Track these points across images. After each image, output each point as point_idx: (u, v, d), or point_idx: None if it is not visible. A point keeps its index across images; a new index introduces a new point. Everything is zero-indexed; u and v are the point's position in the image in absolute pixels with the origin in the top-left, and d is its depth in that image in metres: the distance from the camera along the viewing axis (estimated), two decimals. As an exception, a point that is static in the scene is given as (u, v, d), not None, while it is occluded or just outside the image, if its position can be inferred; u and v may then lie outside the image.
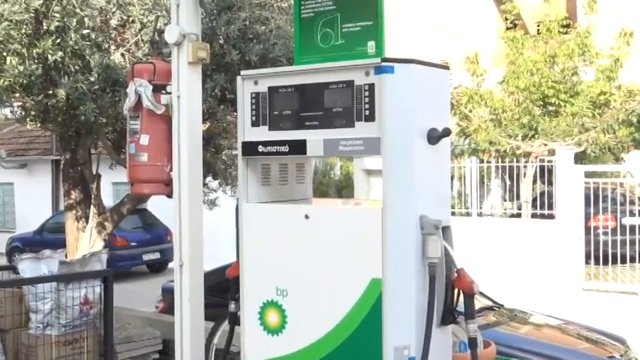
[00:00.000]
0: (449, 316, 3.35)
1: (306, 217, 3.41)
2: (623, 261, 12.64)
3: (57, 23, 6.10)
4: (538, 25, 16.84)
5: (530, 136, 14.96)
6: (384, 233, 3.17)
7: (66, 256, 7.18)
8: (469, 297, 3.32)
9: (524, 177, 14.84)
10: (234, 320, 3.77)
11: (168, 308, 7.91)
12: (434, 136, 3.29)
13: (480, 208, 15.15)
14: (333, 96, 3.33)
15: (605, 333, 7.30)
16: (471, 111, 15.49)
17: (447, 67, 3.55)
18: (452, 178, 14.36)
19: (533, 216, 14.10)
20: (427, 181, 3.32)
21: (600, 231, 13.14)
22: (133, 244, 17.27)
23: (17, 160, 22.89)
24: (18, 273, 6.32)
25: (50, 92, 6.40)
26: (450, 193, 3.61)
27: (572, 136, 14.34)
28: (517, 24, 16.62)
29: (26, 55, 6.10)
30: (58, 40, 6.14)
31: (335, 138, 3.31)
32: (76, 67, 6.39)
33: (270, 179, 3.78)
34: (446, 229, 3.33)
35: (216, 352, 6.26)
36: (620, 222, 13.05)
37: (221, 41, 6.70)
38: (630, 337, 7.47)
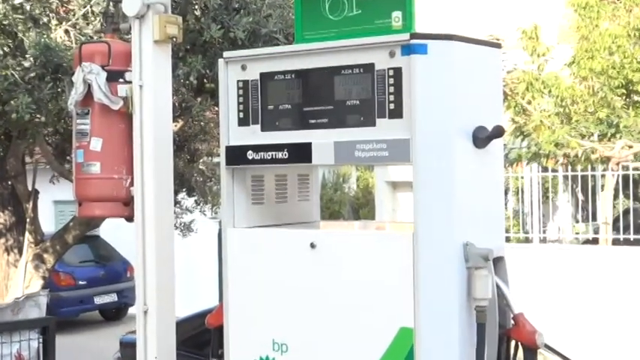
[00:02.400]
0: (504, 378, 3.35)
1: (312, 246, 3.41)
2: None
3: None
4: (618, -12, 16.84)
5: (609, 135, 14.92)
6: (415, 267, 3.16)
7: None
8: (531, 352, 3.31)
9: (603, 190, 14.79)
10: (217, 385, 3.76)
11: (129, 368, 7.90)
12: (482, 137, 3.29)
13: (544, 231, 15.09)
14: (347, 85, 3.33)
15: None
16: (530, 102, 15.47)
17: (497, 45, 3.56)
18: (506, 192, 14.34)
19: (615, 242, 14.02)
20: (473, 197, 3.31)
21: None
22: (81, 283, 17.27)
23: None
24: None
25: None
26: (503, 212, 3.60)
27: (667, 135, 14.29)
28: (591, -13, 16.61)
29: None
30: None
31: (350, 140, 3.31)
32: (5, 49, 6.42)
33: (263, 196, 3.78)
34: (499, 261, 3.32)
35: None
36: None
37: (197, 13, 6.73)
38: None
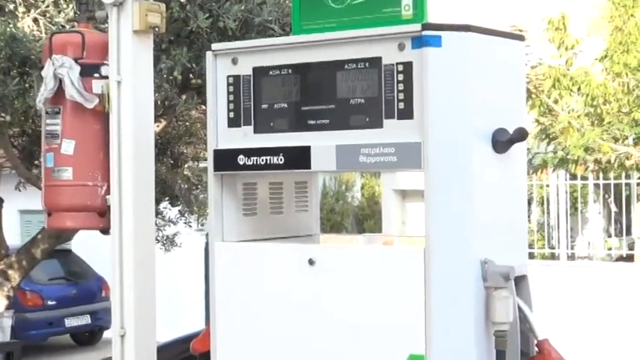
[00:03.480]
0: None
1: (311, 262, 3.41)
2: None
3: None
4: (656, -27, 16.85)
5: (646, 138, 14.92)
6: (427, 287, 3.16)
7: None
8: (557, 383, 3.30)
9: (638, 201, 14.79)
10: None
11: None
12: (502, 141, 3.30)
13: (572, 247, 15.08)
14: (351, 81, 3.34)
15: None
16: (556, 101, 15.47)
17: (520, 37, 3.57)
18: (529, 202, 14.32)
19: (653, 259, 14.02)
20: (492, 208, 3.32)
21: None
22: (50, 303, 17.23)
23: None
24: None
25: None
26: (526, 225, 3.61)
27: None
28: (625, -29, 16.63)
29: None
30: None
31: (353, 144, 3.32)
32: (-33, 40, 6.43)
33: (256, 206, 3.79)
34: (521, 281, 3.32)
35: None
36: None
37: (182, -1, 6.74)
38: None
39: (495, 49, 3.38)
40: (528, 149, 12.97)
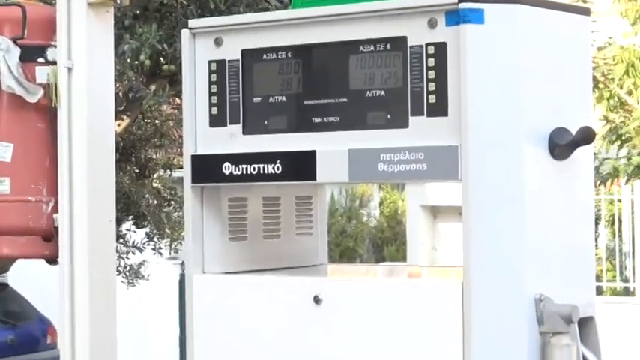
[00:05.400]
0: None
1: (316, 300, 3.41)
2: None
3: None
4: None
5: None
6: (466, 332, 3.16)
7: None
8: None
9: None
10: None
11: None
12: (562, 144, 3.30)
13: (651, 279, 15.07)
14: (368, 68, 3.35)
15: None
16: (630, 93, 15.48)
17: (585, 11, 3.57)
18: (596, 222, 14.31)
19: None
20: (549, 231, 3.32)
21: None
22: (-20, 351, 17.28)
23: None
24: None
25: None
26: (592, 251, 3.61)
27: None
28: None
29: None
30: None
31: (371, 148, 3.32)
32: None
33: (245, 228, 3.80)
34: (587, 323, 3.33)
35: None
36: None
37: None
38: None
39: (552, 27, 3.39)
40: (595, 154, 12.96)
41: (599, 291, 14.03)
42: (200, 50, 3.64)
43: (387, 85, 3.32)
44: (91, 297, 4.43)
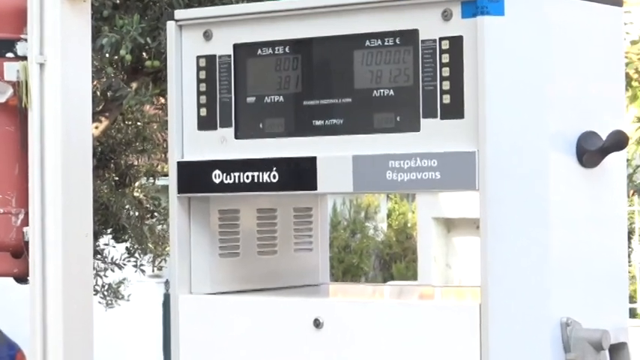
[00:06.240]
0: None
1: (317, 324, 3.42)
2: None
3: None
4: None
5: None
6: (484, 359, 3.16)
7: None
8: None
9: None
10: None
11: None
12: (592, 150, 3.30)
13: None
14: (375, 64, 3.36)
15: None
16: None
17: (617, 2, 3.57)
18: (629, 235, 14.33)
19: None
20: (577, 246, 3.33)
21: None
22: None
23: None
24: None
25: None
26: (626, 269, 3.61)
27: None
28: None
29: None
30: None
31: (378, 154, 3.33)
32: None
33: (238, 243, 3.81)
34: (619, 351, 3.32)
35: None
36: None
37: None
38: None
39: (580, 19, 3.40)
40: (628, 161, 12.98)
41: (633, 314, 14.04)
42: (187, 44, 3.65)
43: (396, 83, 3.33)
44: (65, 319, 4.43)
